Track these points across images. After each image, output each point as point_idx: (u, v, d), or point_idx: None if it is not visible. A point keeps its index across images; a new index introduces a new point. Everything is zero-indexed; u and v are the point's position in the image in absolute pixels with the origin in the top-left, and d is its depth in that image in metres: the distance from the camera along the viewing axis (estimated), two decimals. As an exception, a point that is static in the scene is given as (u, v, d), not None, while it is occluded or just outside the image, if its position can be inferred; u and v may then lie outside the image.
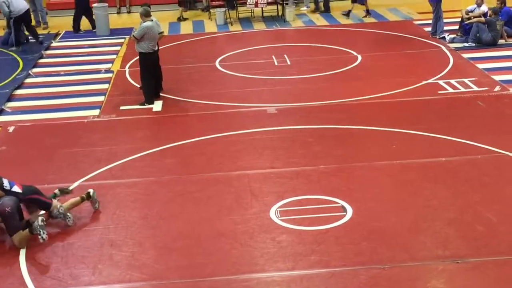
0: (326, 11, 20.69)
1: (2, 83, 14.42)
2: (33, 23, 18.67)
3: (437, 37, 16.58)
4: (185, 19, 20.56)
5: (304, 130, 11.18)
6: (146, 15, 12.57)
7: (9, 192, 7.95)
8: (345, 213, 8.32)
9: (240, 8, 20.50)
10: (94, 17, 19.20)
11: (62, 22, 20.59)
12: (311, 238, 7.80)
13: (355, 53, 15.71)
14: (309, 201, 8.69)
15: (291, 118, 11.71)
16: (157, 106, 12.65)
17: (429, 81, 13.39)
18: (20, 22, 17.45)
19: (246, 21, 20.21)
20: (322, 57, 15.66)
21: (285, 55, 15.78)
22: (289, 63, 15.28)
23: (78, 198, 8.66)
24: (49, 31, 19.55)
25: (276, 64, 15.23)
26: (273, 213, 8.38)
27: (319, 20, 19.95)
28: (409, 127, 10.93)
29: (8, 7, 17.01)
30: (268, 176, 9.49)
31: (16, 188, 8.05)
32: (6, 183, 8.02)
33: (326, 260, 7.36)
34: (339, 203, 8.57)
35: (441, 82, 13.27)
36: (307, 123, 11.42)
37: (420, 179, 9.18)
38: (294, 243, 7.74)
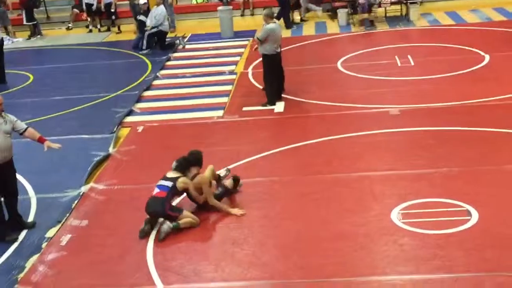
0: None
1: (132, 85, 15.05)
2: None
3: None
4: (300, 22, 20.55)
5: (428, 131, 10.94)
6: (270, 17, 12.74)
7: None
8: (470, 218, 8.07)
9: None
10: (218, 20, 19.62)
11: (188, 25, 21.24)
12: (434, 242, 7.63)
13: (482, 53, 15.18)
14: (432, 204, 8.49)
15: (414, 120, 11.49)
16: (279, 107, 12.78)
17: None
18: (154, 34, 18.21)
19: (369, 22, 19.97)
20: (447, 57, 15.25)
21: (408, 56, 15.50)
22: (412, 63, 15.00)
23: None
24: (176, 34, 20.21)
25: (399, 64, 14.99)
26: (394, 216, 8.27)
27: (445, 20, 19.45)
28: (541, 130, 10.47)
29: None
30: (390, 178, 9.37)
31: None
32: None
33: (449, 265, 7.18)
34: (464, 207, 8.32)
35: None
36: (431, 125, 11.16)
37: (552, 185, 8.76)
38: (416, 246, 7.60)
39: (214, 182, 9.05)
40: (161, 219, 8.47)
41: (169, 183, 8.55)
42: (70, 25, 22.63)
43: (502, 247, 7.40)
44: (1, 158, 8.42)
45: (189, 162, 8.88)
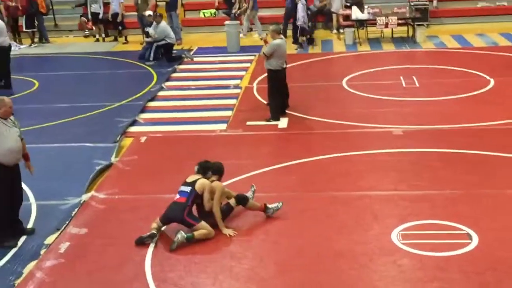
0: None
1: (137, 95, 15.08)
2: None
3: None
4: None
5: (431, 153, 10.94)
6: (277, 32, 12.79)
7: None
8: (470, 241, 8.04)
9: (369, 29, 20.38)
10: (225, 34, 19.69)
11: (195, 38, 21.32)
12: (433, 264, 7.60)
13: (487, 77, 15.21)
14: (433, 226, 8.47)
15: (417, 141, 11.49)
16: (283, 123, 12.79)
17: None
18: (161, 45, 18.29)
19: (375, 42, 20.08)
20: (452, 80, 15.29)
21: (413, 77, 15.53)
22: (417, 85, 15.02)
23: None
24: (182, 47, 20.28)
25: (404, 85, 15.01)
26: (394, 236, 8.24)
27: (451, 43, 19.51)
28: (544, 156, 10.46)
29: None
30: (391, 198, 9.35)
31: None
32: None
33: (448, 287, 7.16)
34: (464, 230, 8.30)
35: None
36: (434, 146, 11.15)
37: (553, 211, 8.74)
38: (415, 268, 7.57)
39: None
40: (168, 229, 8.36)
41: (188, 188, 8.59)
42: (86, 32, 22.62)
43: (502, 271, 7.38)
44: (14, 160, 8.45)
45: (209, 168, 8.92)
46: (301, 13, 19.14)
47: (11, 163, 8.39)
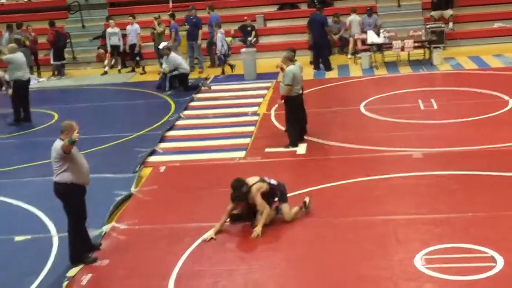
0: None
1: (155, 125, 15.16)
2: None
3: None
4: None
5: (451, 176, 10.85)
6: (290, 59, 12.82)
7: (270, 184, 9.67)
8: (495, 264, 7.94)
9: (386, 52, 20.40)
10: (242, 61, 19.84)
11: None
12: (458, 289, 7.51)
13: (506, 97, 15.13)
14: (456, 249, 8.38)
15: (437, 163, 11.42)
16: (301, 149, 12.78)
17: None
18: (175, 76, 18.44)
19: (392, 65, 20.07)
20: (470, 101, 15.21)
21: (431, 99, 15.48)
22: (435, 107, 14.97)
23: (297, 208, 9.73)
24: (199, 76, 20.40)
25: (422, 108, 14.97)
26: (417, 261, 8.16)
27: (468, 64, 19.45)
28: None
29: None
30: (413, 222, 9.28)
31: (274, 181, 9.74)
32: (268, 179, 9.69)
33: (474, 312, 7.05)
34: (488, 253, 8.20)
35: None
36: (454, 169, 11.07)
37: None
38: (439, 292, 7.48)
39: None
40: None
41: None
42: (106, 69, 22.65)
43: (528, 295, 7.27)
44: (87, 181, 8.89)
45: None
46: (219, 42, 20.01)
47: (87, 183, 8.87)
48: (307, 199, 9.87)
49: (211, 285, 8.04)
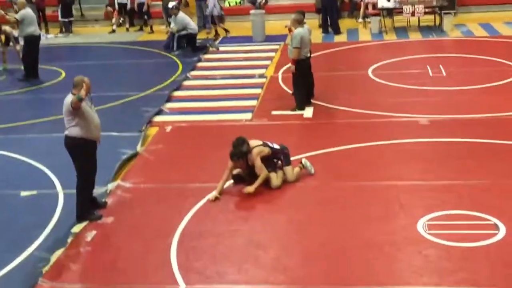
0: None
1: (162, 85, 15.13)
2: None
3: None
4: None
5: (458, 143, 10.84)
6: (299, 22, 12.71)
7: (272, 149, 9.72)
8: (497, 232, 7.96)
9: (396, 17, 20.22)
10: (251, 23, 19.67)
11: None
12: (460, 255, 7.54)
13: (515, 66, 15.04)
14: (460, 216, 8.40)
15: (444, 130, 11.39)
16: (308, 112, 12.75)
17: None
18: (183, 36, 18.33)
19: (401, 30, 19.91)
20: (480, 69, 15.12)
21: (440, 66, 15.38)
22: (444, 74, 14.88)
23: (298, 169, 9.83)
24: (207, 37, 20.28)
25: (431, 74, 14.88)
26: (420, 226, 8.19)
27: (479, 31, 19.27)
28: None
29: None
30: (418, 188, 9.29)
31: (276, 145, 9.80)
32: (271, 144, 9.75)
33: (474, 278, 7.08)
34: (491, 221, 8.22)
35: None
36: (461, 136, 11.05)
37: None
38: (441, 258, 7.52)
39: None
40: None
41: None
42: (114, 27, 22.56)
43: (530, 263, 7.30)
44: (99, 135, 8.93)
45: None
46: (211, 2, 19.68)
47: (97, 138, 8.89)
48: (303, 160, 9.95)
49: (213, 245, 8.09)
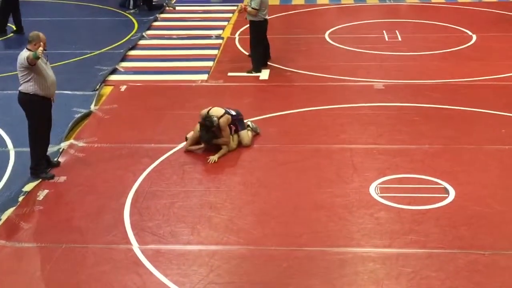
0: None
1: (117, 44, 14.89)
2: None
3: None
4: None
5: (411, 108, 10.97)
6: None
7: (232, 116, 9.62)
8: (447, 195, 8.14)
9: (354, -19, 20.18)
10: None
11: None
12: (410, 218, 7.69)
13: (470, 33, 15.20)
14: (411, 180, 8.55)
15: (398, 95, 11.51)
16: (265, 74, 12.72)
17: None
18: None
19: (359, -6, 19.90)
20: (435, 35, 15.26)
21: (396, 31, 15.47)
22: (400, 39, 14.97)
23: (250, 132, 9.82)
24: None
25: (386, 39, 14.96)
26: (373, 189, 8.31)
27: (435, -3, 19.40)
28: (523, 112, 10.53)
29: None
30: (371, 152, 9.40)
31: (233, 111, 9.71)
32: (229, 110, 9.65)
33: (424, 240, 7.24)
34: (441, 185, 8.39)
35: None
36: (415, 101, 11.19)
37: (530, 167, 8.84)
38: (392, 220, 7.66)
39: None
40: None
41: None
42: None
43: (477, 226, 7.49)
44: (53, 92, 8.77)
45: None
46: None
47: (52, 95, 8.74)
48: (249, 122, 9.93)
49: (167, 205, 8.09)
